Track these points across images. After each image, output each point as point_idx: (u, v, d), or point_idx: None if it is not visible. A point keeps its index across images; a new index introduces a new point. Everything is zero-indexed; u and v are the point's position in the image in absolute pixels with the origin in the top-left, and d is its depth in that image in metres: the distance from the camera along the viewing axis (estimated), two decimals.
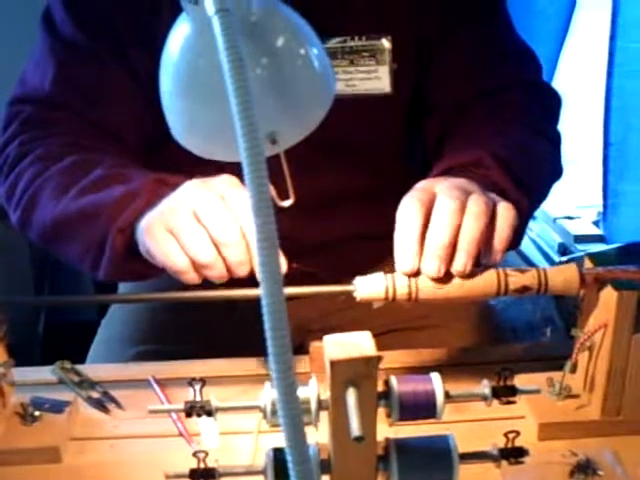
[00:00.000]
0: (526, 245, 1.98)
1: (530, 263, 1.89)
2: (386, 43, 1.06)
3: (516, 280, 0.81)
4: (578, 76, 2.08)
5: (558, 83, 1.80)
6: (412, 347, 1.02)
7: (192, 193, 0.78)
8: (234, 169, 0.65)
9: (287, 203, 0.77)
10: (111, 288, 1.29)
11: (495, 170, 0.93)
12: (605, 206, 1.87)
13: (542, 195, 1.03)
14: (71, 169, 0.93)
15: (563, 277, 0.82)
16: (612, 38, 1.72)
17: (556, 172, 1.06)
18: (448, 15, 1.07)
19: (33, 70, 1.06)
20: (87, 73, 1.03)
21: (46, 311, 1.91)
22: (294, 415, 0.47)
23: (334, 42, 1.05)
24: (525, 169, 0.96)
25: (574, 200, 2.04)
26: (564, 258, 1.85)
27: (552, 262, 1.88)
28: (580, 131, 2.07)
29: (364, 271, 0.82)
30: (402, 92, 1.08)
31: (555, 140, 1.06)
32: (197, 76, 0.61)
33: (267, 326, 0.46)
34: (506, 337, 1.24)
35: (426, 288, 0.80)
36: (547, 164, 1.04)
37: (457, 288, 0.80)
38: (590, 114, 1.99)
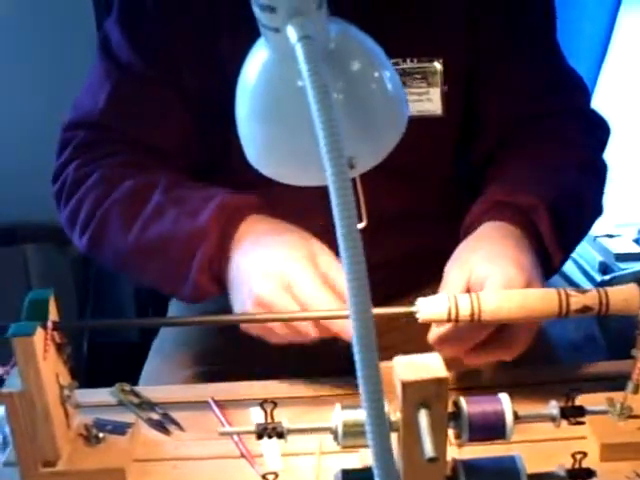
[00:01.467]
0: (567, 264, 1.97)
1: (571, 282, 1.89)
2: (438, 65, 1.06)
3: (577, 300, 0.81)
4: (617, 93, 2.08)
5: (597, 101, 1.80)
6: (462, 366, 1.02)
7: (285, 266, 0.81)
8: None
9: (360, 226, 0.78)
10: (158, 308, 1.30)
11: (545, 224, 0.93)
12: None
13: (578, 244, 1.04)
14: (131, 196, 0.95)
15: (623, 297, 0.82)
16: None
17: (598, 213, 1.07)
18: (500, 39, 1.08)
19: (87, 94, 1.08)
20: (141, 96, 1.05)
21: (89, 332, 1.93)
22: (383, 437, 0.47)
23: None
24: (574, 226, 0.99)
25: (614, 218, 2.03)
26: (606, 277, 1.84)
27: (593, 281, 1.87)
28: (620, 148, 2.06)
29: (418, 290, 0.83)
30: (453, 114, 1.09)
31: (603, 174, 1.07)
32: (277, 102, 0.63)
33: (356, 349, 0.47)
34: (551, 356, 1.24)
35: (488, 309, 0.80)
36: (594, 211, 1.06)
37: (519, 309, 0.81)
38: (630, 132, 1.98)
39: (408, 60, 1.06)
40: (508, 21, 1.08)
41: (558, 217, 0.93)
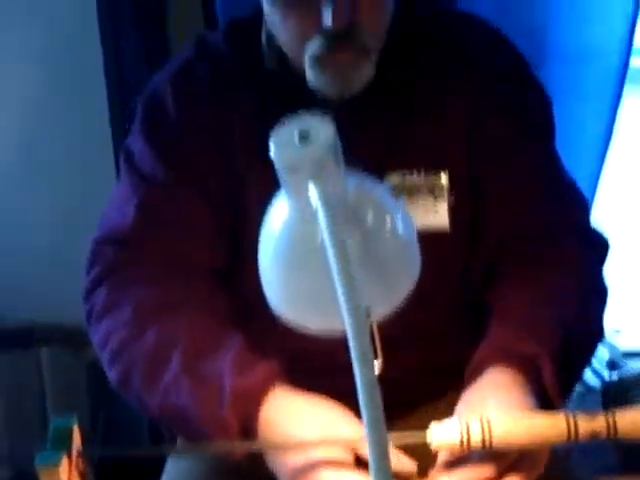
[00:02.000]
0: None
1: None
2: (444, 179, 1.10)
3: (586, 426, 0.83)
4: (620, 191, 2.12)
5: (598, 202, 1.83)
6: None
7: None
8: None
9: (377, 368, 0.80)
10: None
11: (548, 373, 0.94)
12: None
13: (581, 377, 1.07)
14: (152, 359, 0.98)
15: (632, 420, 0.84)
16: None
17: (600, 339, 1.09)
18: (500, 153, 1.11)
19: (114, 209, 1.11)
20: (168, 209, 1.08)
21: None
22: None
23: (393, 177, 1.10)
24: (576, 365, 1.02)
25: (621, 313, 2.05)
26: (614, 376, 1.86)
27: (601, 378, 1.89)
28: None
29: (428, 404, 0.85)
30: (459, 228, 1.11)
31: (603, 299, 1.08)
32: (298, 257, 0.66)
33: None
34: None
35: (499, 436, 0.83)
36: (596, 338, 1.08)
37: (528, 436, 0.83)
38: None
39: (415, 173, 1.09)
40: (508, 136, 1.12)
41: (561, 362, 0.95)
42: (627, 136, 1.92)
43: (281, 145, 0.63)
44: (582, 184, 1.58)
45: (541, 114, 1.17)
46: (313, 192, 0.61)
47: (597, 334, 1.07)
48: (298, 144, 0.62)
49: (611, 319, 1.99)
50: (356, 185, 0.68)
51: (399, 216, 0.70)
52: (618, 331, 1.97)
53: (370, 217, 0.68)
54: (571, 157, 1.61)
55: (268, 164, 1.05)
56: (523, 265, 1.08)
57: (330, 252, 0.57)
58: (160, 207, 1.08)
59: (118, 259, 1.07)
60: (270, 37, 1.08)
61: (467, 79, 1.12)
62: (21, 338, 1.73)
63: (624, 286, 2.03)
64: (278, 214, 0.69)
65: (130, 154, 1.12)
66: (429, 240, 1.10)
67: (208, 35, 1.17)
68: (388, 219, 0.69)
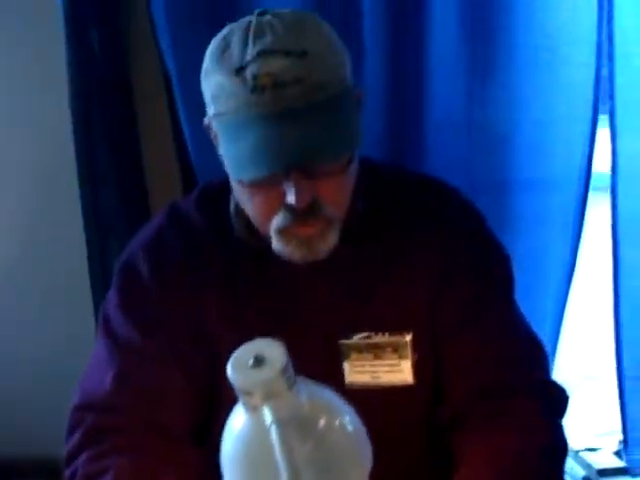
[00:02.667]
0: None
1: None
2: (408, 338, 1.15)
3: None
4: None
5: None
6: None
7: None
8: None
9: None
10: None
11: None
12: (625, 440, 1.91)
13: None
14: None
15: None
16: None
17: None
18: (461, 313, 1.16)
19: (92, 374, 1.14)
20: (144, 376, 1.11)
21: None
22: None
23: (359, 337, 1.15)
24: None
25: (593, 427, 2.09)
26: None
27: None
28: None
29: None
30: (423, 382, 1.16)
31: (563, 454, 1.13)
32: (253, 465, 0.72)
33: None
34: None
35: None
36: None
37: None
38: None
39: (380, 334, 1.15)
40: (469, 298, 1.17)
41: None
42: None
43: (237, 369, 0.68)
44: (548, 312, 1.68)
45: (503, 273, 1.22)
46: (267, 414, 0.66)
47: None
48: (252, 369, 0.67)
49: (585, 437, 2.04)
50: (308, 395, 0.73)
51: (348, 418, 0.75)
52: (593, 449, 2.01)
53: (322, 422, 0.73)
54: (537, 283, 1.69)
55: (241, 328, 1.12)
56: (484, 422, 1.12)
57: (282, 467, 0.62)
58: (136, 375, 1.11)
59: (97, 426, 1.10)
60: (237, 206, 1.15)
61: (435, 241, 1.18)
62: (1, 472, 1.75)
63: (598, 405, 2.08)
64: (238, 420, 0.74)
65: (107, 318, 1.17)
66: (394, 393, 1.16)
67: (180, 202, 1.23)
68: (338, 422, 0.74)
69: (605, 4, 1.50)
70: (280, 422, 0.66)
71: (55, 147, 1.55)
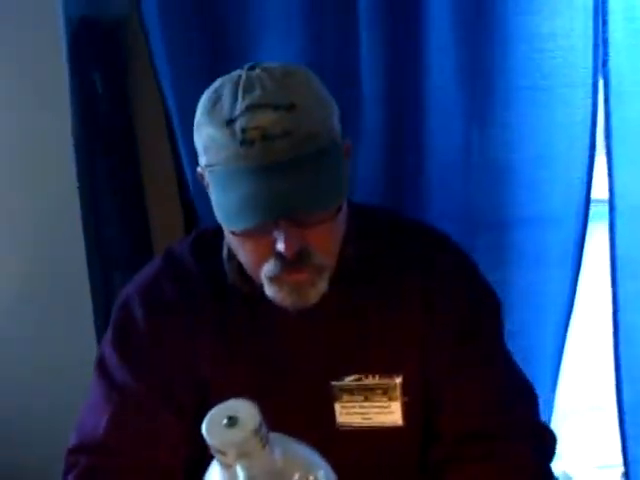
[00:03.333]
0: None
1: None
2: (398, 380, 1.18)
3: None
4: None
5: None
6: None
7: None
8: None
9: None
10: None
11: None
12: (627, 473, 1.91)
13: None
14: None
15: None
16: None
17: None
18: (450, 360, 1.19)
19: (87, 417, 1.18)
20: (139, 419, 1.15)
21: None
22: None
23: (350, 379, 1.18)
24: None
25: (595, 459, 2.09)
26: None
27: None
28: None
29: None
30: (413, 423, 1.19)
31: None
32: None
33: None
34: None
35: None
36: None
37: None
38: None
39: (370, 376, 1.18)
40: (458, 342, 1.19)
41: None
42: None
43: (211, 429, 0.71)
44: (547, 349, 1.69)
45: (493, 319, 1.25)
46: (240, 472, 0.68)
47: None
48: (226, 429, 0.70)
49: (587, 469, 2.04)
50: (282, 451, 0.76)
51: (322, 472, 0.77)
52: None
53: (296, 478, 0.75)
54: (537, 319, 1.71)
55: (233, 371, 1.14)
56: (473, 464, 1.14)
57: None
58: (130, 418, 1.15)
59: (91, 466, 1.14)
60: (230, 251, 1.18)
61: (425, 286, 1.20)
62: None
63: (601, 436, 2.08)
64: (214, 474, 0.77)
65: (102, 357, 1.20)
66: (385, 434, 1.18)
67: (175, 246, 1.27)
68: (312, 477, 0.76)
69: (600, 46, 1.51)
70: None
71: (59, 185, 1.58)
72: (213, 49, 1.47)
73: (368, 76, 1.51)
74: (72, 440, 1.18)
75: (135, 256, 1.52)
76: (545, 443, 1.20)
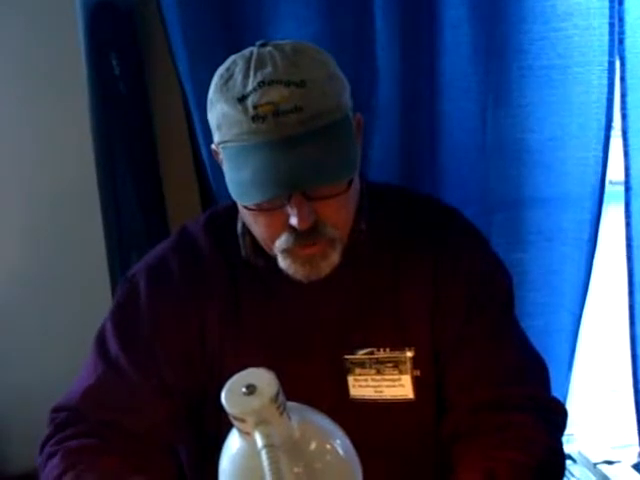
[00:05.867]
0: None
1: None
2: (408, 354, 1.19)
3: None
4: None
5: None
6: None
7: None
8: None
9: None
10: None
11: None
12: None
13: None
14: None
15: None
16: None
17: None
18: (461, 332, 1.20)
19: (76, 381, 1.22)
20: (120, 390, 1.18)
21: None
22: None
23: (362, 353, 1.20)
24: None
25: (612, 440, 2.09)
26: None
27: None
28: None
29: None
30: (425, 397, 1.20)
31: (559, 463, 1.16)
32: None
33: None
34: None
35: None
36: None
37: None
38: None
39: (382, 350, 1.19)
40: (469, 315, 1.20)
41: None
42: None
43: (230, 397, 0.72)
44: (563, 328, 1.69)
45: (503, 291, 1.26)
46: (258, 439, 0.70)
47: None
48: (245, 397, 0.71)
49: (603, 450, 2.04)
50: (299, 419, 0.77)
51: (339, 441, 0.78)
52: (610, 462, 2.01)
53: (313, 446, 0.77)
54: (553, 299, 1.71)
55: (244, 344, 1.15)
56: (483, 435, 1.15)
57: None
58: (112, 391, 1.18)
59: (66, 420, 1.18)
60: (244, 227, 1.20)
61: (435, 259, 1.22)
62: None
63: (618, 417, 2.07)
64: (233, 442, 0.78)
65: (102, 329, 1.23)
66: (397, 408, 1.19)
67: (189, 225, 1.28)
68: (329, 445, 0.78)
69: (616, 25, 1.51)
70: (271, 447, 0.69)
71: (77, 167, 1.59)
72: (229, 32, 1.48)
73: (383, 55, 1.51)
74: (58, 399, 1.22)
75: (152, 236, 1.53)
76: (555, 416, 1.21)
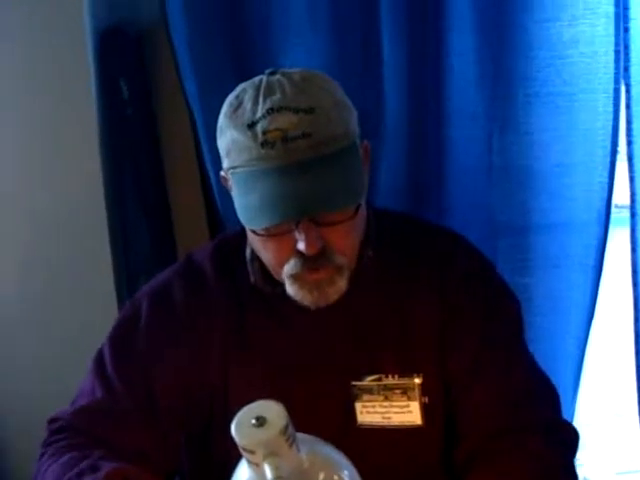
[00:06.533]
0: None
1: None
2: (417, 381, 1.19)
3: None
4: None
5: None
6: None
7: None
8: None
9: None
10: None
11: None
12: None
13: None
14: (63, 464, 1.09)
15: None
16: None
17: None
18: (470, 359, 1.20)
19: (75, 396, 1.22)
20: (111, 414, 1.18)
21: None
22: None
23: (370, 379, 1.20)
24: None
25: (616, 464, 2.10)
26: None
27: None
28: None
29: None
30: (434, 424, 1.20)
31: (571, 476, 1.16)
32: None
33: None
34: None
35: None
36: None
37: None
38: None
39: (390, 376, 1.19)
40: (480, 343, 1.21)
41: None
42: None
43: (240, 429, 0.72)
44: (569, 354, 1.69)
45: (512, 316, 1.26)
46: (268, 471, 0.70)
47: None
48: (254, 428, 0.71)
49: (607, 475, 2.04)
50: (309, 450, 0.77)
51: (346, 472, 0.79)
52: None
53: (321, 477, 0.77)
54: (558, 325, 1.71)
55: (249, 372, 1.15)
56: (496, 457, 1.15)
57: None
58: (102, 414, 1.18)
59: (60, 428, 1.19)
60: (253, 252, 1.21)
61: (442, 285, 1.22)
62: None
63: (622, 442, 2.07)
64: (242, 473, 0.79)
65: (100, 351, 1.24)
66: (405, 434, 1.19)
67: (196, 252, 1.30)
68: (337, 477, 0.78)
69: (622, 52, 1.52)
70: (280, 478, 0.69)
71: (85, 190, 1.60)
72: (237, 56, 1.49)
73: (390, 81, 1.52)
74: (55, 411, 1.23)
75: (160, 260, 1.53)
76: (568, 437, 1.20)
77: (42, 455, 1.16)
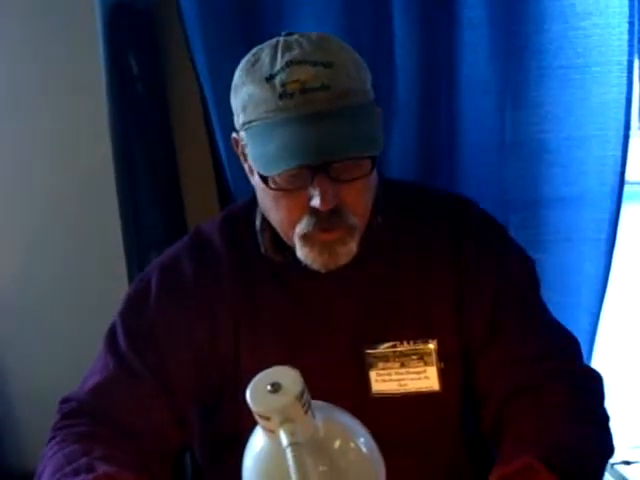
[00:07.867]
0: None
1: None
2: (432, 346, 1.19)
3: None
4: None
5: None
6: None
7: None
8: None
9: None
10: None
11: (544, 474, 0.99)
12: None
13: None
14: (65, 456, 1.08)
15: None
16: None
17: (606, 454, 1.14)
18: (487, 319, 1.20)
19: (87, 376, 1.22)
20: (126, 390, 1.18)
21: None
22: None
23: (385, 346, 1.20)
24: (574, 466, 1.04)
25: (630, 439, 2.09)
26: None
27: None
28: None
29: None
30: (451, 390, 1.20)
31: (602, 421, 1.15)
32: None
33: None
34: None
35: None
36: (596, 451, 1.12)
37: None
38: None
39: (405, 342, 1.19)
40: (497, 300, 1.20)
41: (553, 463, 1.00)
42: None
43: (255, 395, 0.72)
44: (581, 328, 1.69)
45: (527, 274, 1.27)
46: (283, 437, 0.70)
47: (600, 453, 1.12)
48: (270, 394, 0.71)
49: (621, 450, 2.04)
50: (324, 418, 0.77)
51: (362, 440, 0.79)
52: (628, 462, 2.00)
53: (337, 444, 0.77)
54: (570, 299, 1.71)
55: (260, 341, 1.15)
56: (520, 416, 1.14)
57: None
58: (118, 391, 1.18)
59: (70, 412, 1.18)
60: (263, 222, 1.20)
61: (455, 249, 1.22)
62: None
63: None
64: (257, 439, 0.79)
65: (112, 326, 1.23)
66: (422, 401, 1.19)
67: (204, 225, 1.29)
68: (353, 444, 0.78)
69: (636, 24, 1.50)
70: (296, 444, 0.69)
71: (95, 166, 1.61)
72: (247, 28, 1.48)
73: (401, 54, 1.52)
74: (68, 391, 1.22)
75: (171, 234, 1.53)
76: (592, 383, 1.20)
77: (51, 439, 1.15)
